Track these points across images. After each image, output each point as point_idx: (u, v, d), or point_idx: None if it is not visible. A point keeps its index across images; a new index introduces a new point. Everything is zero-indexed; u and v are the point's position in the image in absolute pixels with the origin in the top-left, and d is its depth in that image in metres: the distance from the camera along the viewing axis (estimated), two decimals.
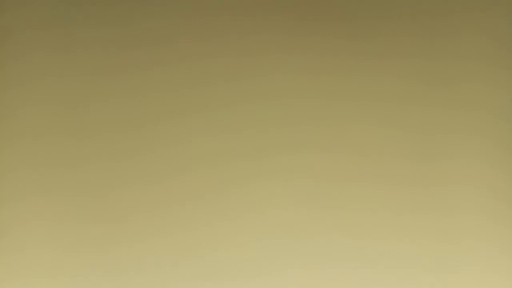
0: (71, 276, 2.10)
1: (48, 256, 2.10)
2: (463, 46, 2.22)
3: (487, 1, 2.23)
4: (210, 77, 2.17)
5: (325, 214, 2.15)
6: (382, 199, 2.16)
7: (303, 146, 2.16)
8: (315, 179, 2.16)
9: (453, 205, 2.17)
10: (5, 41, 2.14)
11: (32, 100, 2.13)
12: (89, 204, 2.12)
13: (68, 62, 2.15)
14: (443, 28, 2.22)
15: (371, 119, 2.18)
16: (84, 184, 2.12)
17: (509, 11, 2.23)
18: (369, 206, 2.16)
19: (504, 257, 2.15)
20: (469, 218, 2.16)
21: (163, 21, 2.17)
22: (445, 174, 2.18)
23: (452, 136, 2.19)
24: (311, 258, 2.13)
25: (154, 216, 2.13)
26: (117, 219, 2.12)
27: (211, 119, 2.16)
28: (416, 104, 2.19)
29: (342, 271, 2.13)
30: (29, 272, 2.09)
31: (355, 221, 2.15)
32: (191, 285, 2.11)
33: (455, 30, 2.22)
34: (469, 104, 2.20)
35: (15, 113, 2.13)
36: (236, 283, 2.12)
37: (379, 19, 2.21)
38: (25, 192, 2.11)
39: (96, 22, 2.16)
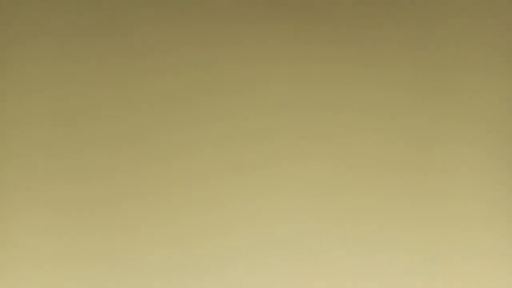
0: (68, 265, 2.11)
1: (44, 245, 2.11)
2: (458, 34, 2.24)
3: (485, 9, 2.24)
4: (207, 85, 2.18)
5: (323, 202, 2.16)
6: (380, 187, 2.17)
7: (302, 134, 2.19)
8: (313, 167, 2.17)
9: (451, 194, 2.18)
10: (4, 48, 2.16)
11: (27, 90, 2.15)
12: (85, 193, 2.13)
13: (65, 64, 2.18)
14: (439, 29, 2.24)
15: (370, 108, 2.20)
16: (80, 172, 2.13)
17: (507, 19, 2.24)
18: (368, 194, 2.17)
19: (503, 244, 2.17)
20: (467, 206, 2.18)
21: (159, 29, 2.19)
22: (443, 162, 2.19)
23: (450, 125, 2.20)
24: (310, 244, 2.15)
25: (152, 204, 2.14)
26: (115, 207, 2.13)
27: (207, 110, 2.18)
28: (416, 93, 2.20)
29: (341, 259, 2.16)
30: (25, 260, 2.10)
31: (354, 209, 2.17)
32: (189, 272, 2.13)
33: (452, 33, 2.24)
34: (468, 94, 2.21)
35: (9, 104, 2.15)
36: (235, 271, 2.14)
37: (376, 28, 2.22)
38: (20, 182, 2.12)
39: (95, 30, 2.18)
